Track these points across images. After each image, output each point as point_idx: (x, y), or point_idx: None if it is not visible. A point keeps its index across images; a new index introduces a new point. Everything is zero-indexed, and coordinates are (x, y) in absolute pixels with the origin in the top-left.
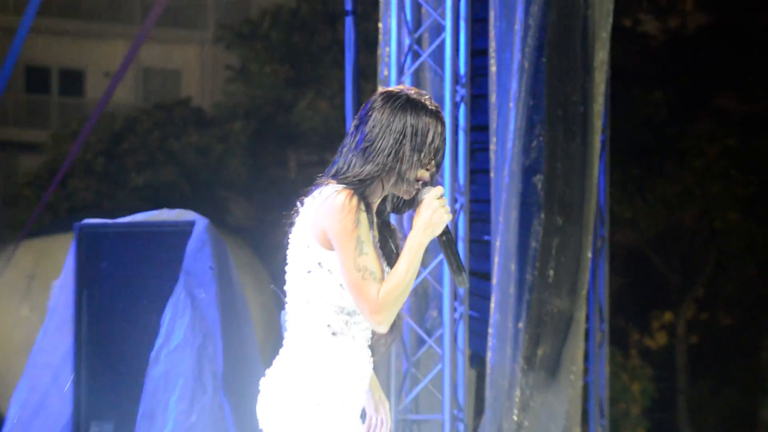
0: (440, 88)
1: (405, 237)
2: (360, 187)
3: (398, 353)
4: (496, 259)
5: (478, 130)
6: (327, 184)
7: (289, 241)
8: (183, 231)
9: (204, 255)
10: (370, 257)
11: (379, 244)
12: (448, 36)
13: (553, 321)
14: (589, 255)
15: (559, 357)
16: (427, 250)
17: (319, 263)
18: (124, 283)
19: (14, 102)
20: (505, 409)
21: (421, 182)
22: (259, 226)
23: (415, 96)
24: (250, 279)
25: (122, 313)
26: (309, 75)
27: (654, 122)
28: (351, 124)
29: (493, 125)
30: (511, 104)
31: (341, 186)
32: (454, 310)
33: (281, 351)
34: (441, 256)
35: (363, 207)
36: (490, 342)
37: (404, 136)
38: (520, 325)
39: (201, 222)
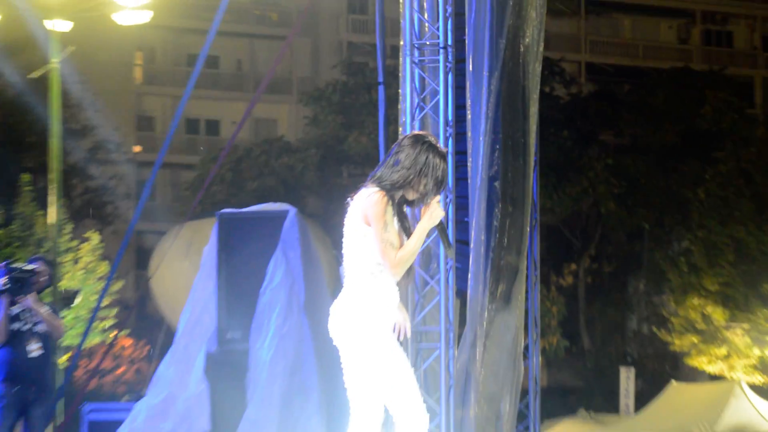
0: (437, 128)
1: (415, 220)
2: (390, 190)
3: (412, 289)
4: (472, 233)
5: (461, 153)
6: (368, 186)
7: (344, 222)
8: (281, 216)
9: (293, 230)
10: (391, 233)
11: (398, 224)
12: (441, 97)
13: (507, 270)
14: (528, 229)
15: (510, 292)
16: (430, 231)
17: (364, 234)
18: (246, 248)
19: (179, 139)
20: (478, 323)
21: (432, 193)
22: (326, 213)
23: (433, 142)
24: (320, 246)
25: (245, 266)
26: (355, 121)
27: (564, 149)
28: (387, 152)
29: (469, 150)
30: (481, 138)
31: (378, 188)
32: (447, 263)
33: (342, 290)
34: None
35: (389, 202)
36: (470, 283)
37: (423, 166)
38: (487, 272)
39: (292, 210)
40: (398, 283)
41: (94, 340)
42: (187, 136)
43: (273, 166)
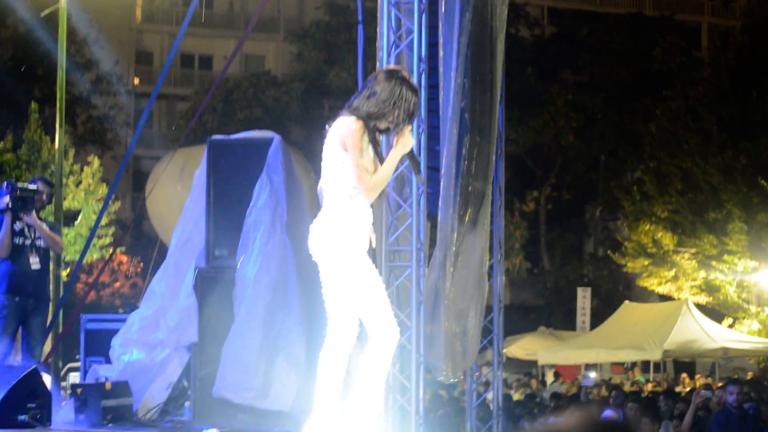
0: (411, 64)
1: (388, 148)
2: (366, 119)
3: (386, 211)
4: (443, 160)
5: (433, 87)
6: (345, 115)
7: (323, 148)
8: (267, 142)
9: (277, 155)
10: (366, 159)
11: (372, 151)
12: (415, 35)
13: (474, 195)
14: (494, 158)
15: (477, 215)
16: (402, 157)
17: (342, 161)
18: (234, 171)
19: (174, 73)
20: (447, 244)
21: (403, 123)
22: (308, 142)
23: (406, 76)
24: (302, 171)
25: (233, 188)
26: (336, 57)
27: (527, 85)
28: (362, 84)
29: (441, 84)
30: (452, 73)
31: (354, 117)
32: (419, 188)
33: (321, 211)
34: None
35: (365, 131)
36: (440, 206)
37: (397, 98)
38: (457, 197)
39: (277, 137)
40: (372, 205)
41: (93, 256)
42: (182, 70)
43: (260, 98)
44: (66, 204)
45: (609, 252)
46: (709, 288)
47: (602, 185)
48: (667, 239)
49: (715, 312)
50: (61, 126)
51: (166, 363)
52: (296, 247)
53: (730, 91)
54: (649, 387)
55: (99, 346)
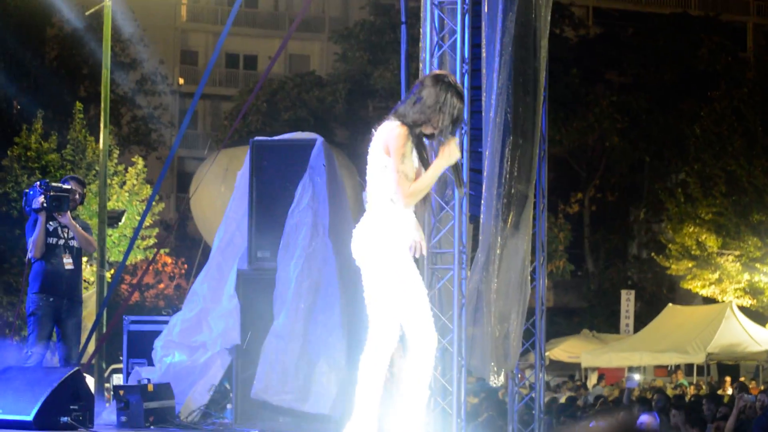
0: (454, 65)
1: (433, 152)
2: (411, 126)
3: (429, 213)
4: (485, 162)
5: (476, 88)
6: (391, 120)
7: (369, 151)
8: (309, 144)
9: (320, 157)
10: (408, 166)
11: (416, 157)
12: (458, 36)
13: (517, 198)
14: (537, 160)
15: (520, 218)
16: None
17: (384, 165)
18: (277, 173)
19: (218, 73)
20: (490, 246)
21: (448, 130)
22: (352, 143)
23: (452, 81)
24: (345, 173)
25: (275, 189)
26: (380, 57)
27: (572, 86)
28: (409, 87)
29: (483, 86)
30: (494, 74)
31: (399, 122)
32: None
33: (364, 214)
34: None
35: (409, 137)
36: (482, 209)
37: (442, 104)
38: (499, 199)
39: (319, 140)
40: (416, 209)
41: (137, 257)
42: (226, 70)
43: (304, 99)
44: (110, 205)
45: (653, 254)
46: (753, 290)
47: (647, 187)
48: (711, 241)
49: (759, 315)
50: (105, 126)
51: (209, 365)
52: (338, 249)
53: None
54: (692, 390)
55: (142, 347)
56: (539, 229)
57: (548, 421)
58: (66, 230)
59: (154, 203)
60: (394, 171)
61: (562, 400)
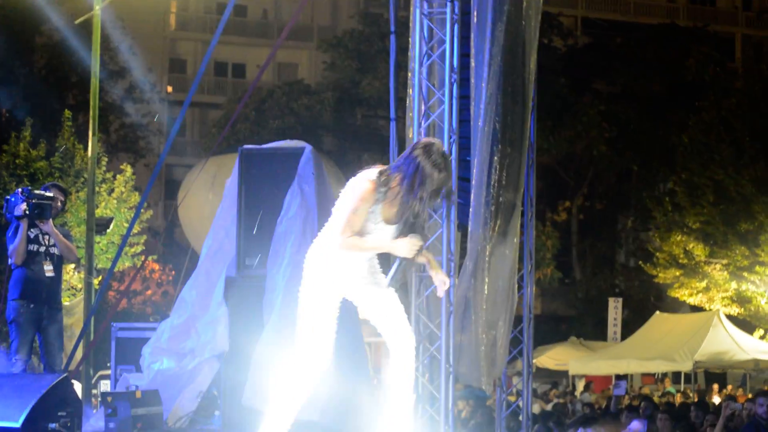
0: (443, 74)
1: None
2: (383, 184)
3: None
4: (474, 171)
5: (464, 98)
6: (372, 169)
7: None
8: (298, 152)
9: (309, 165)
10: (358, 217)
11: (402, 220)
12: (447, 46)
13: (504, 206)
14: (525, 169)
15: (507, 226)
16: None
17: (342, 206)
18: (265, 181)
19: (207, 81)
20: (478, 255)
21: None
22: (340, 151)
23: (439, 160)
24: (334, 181)
25: (263, 197)
26: (369, 66)
27: (560, 96)
28: (396, 95)
29: (472, 95)
30: (483, 84)
31: (375, 177)
32: (450, 198)
33: (322, 231)
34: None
35: (375, 194)
36: (470, 217)
37: (424, 176)
38: (487, 208)
39: (308, 147)
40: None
41: (125, 264)
42: (215, 78)
43: (293, 107)
44: (98, 212)
45: (640, 262)
46: (741, 299)
47: (634, 195)
48: (699, 250)
49: (746, 323)
50: (94, 134)
51: (197, 372)
52: None
53: (763, 101)
54: (679, 398)
55: (129, 354)
56: (527, 237)
57: (539, 429)
58: (47, 237)
59: (142, 210)
60: (344, 215)
61: (549, 407)
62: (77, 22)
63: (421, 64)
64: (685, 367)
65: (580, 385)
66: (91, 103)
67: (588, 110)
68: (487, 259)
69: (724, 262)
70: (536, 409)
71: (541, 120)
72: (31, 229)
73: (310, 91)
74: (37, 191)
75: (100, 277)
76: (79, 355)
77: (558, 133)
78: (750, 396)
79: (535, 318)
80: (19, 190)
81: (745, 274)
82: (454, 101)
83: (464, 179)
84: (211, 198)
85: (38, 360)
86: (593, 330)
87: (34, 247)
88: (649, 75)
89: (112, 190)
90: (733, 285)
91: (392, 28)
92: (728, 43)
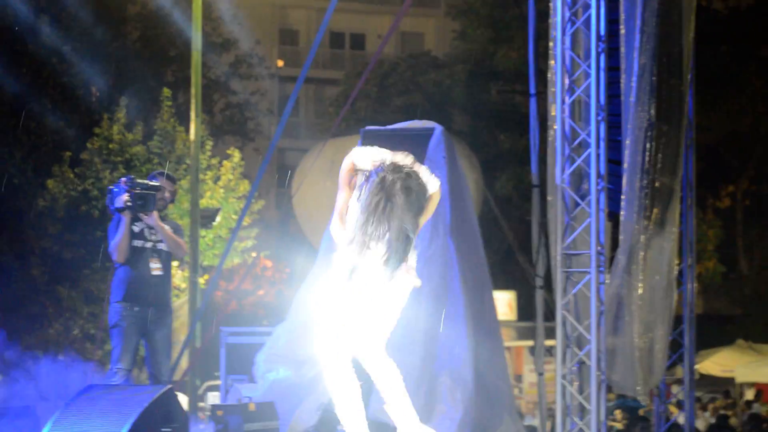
0: (588, 43)
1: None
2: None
3: (561, 210)
4: (625, 153)
5: (614, 69)
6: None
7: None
8: (427, 133)
9: (440, 149)
10: (341, 197)
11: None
12: (593, 11)
13: (660, 191)
14: (683, 149)
15: (664, 214)
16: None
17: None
18: None
19: (323, 54)
20: (632, 247)
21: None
22: (473, 131)
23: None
24: (467, 165)
25: None
26: (504, 35)
27: (722, 65)
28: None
29: (622, 66)
30: (635, 54)
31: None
32: (598, 184)
33: None
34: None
35: (359, 177)
36: (622, 204)
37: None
38: (641, 194)
39: (438, 128)
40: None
41: (234, 260)
42: (331, 51)
43: (419, 82)
44: (203, 203)
45: None
46: None
47: None
48: None
49: None
50: (197, 115)
51: (317, 382)
52: (461, 250)
53: None
54: None
55: (241, 362)
56: (686, 227)
57: None
58: (154, 232)
59: (252, 201)
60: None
61: (713, 419)
62: None
63: (563, 33)
64: None
65: (749, 394)
66: (193, 80)
67: (754, 80)
68: (641, 252)
69: None
70: (700, 424)
71: (700, 94)
72: (136, 223)
73: (438, 64)
74: (141, 180)
75: (206, 276)
76: (184, 363)
77: (720, 108)
78: None
79: (697, 318)
80: (123, 179)
81: None
82: (602, 74)
83: (615, 162)
84: (329, 186)
85: (140, 370)
86: (763, 331)
87: (138, 243)
88: None
89: (219, 178)
90: None
91: None
92: None
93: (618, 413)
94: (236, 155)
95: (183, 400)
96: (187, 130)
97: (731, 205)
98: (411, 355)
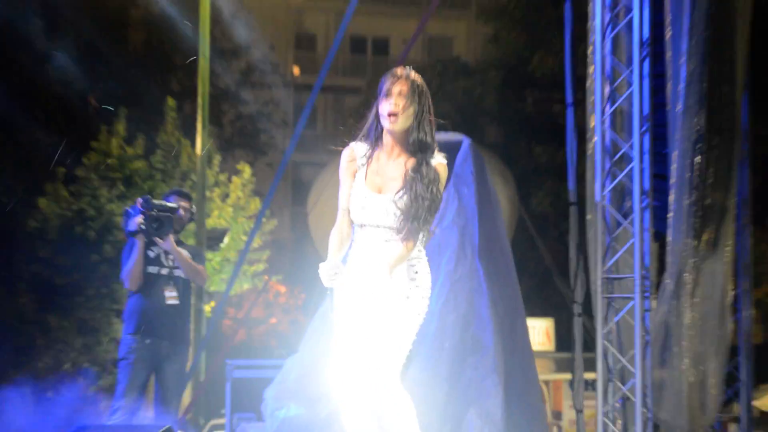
0: (630, 48)
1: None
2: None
3: (602, 230)
4: (673, 166)
5: (659, 76)
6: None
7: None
8: (454, 147)
9: (468, 163)
10: (342, 193)
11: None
12: (635, 13)
13: (712, 209)
14: (737, 163)
15: (717, 234)
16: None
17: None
18: None
19: (342, 60)
20: (681, 270)
21: None
22: (507, 143)
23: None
24: (499, 181)
25: None
26: (540, 39)
27: None
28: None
29: (668, 73)
30: (682, 59)
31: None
32: (642, 201)
33: None
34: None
35: (353, 156)
36: (670, 223)
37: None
38: (691, 212)
39: (466, 140)
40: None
41: (243, 286)
42: (351, 56)
43: (448, 90)
44: (210, 222)
45: None
46: None
47: None
48: None
49: None
50: (204, 127)
51: (332, 421)
52: (491, 274)
53: None
54: None
55: (249, 398)
56: (742, 248)
57: None
58: (170, 258)
59: (264, 220)
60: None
61: None
62: None
63: (603, 37)
64: None
65: None
66: (200, 89)
67: None
68: (691, 276)
69: None
70: None
71: (756, 102)
72: (152, 248)
73: (468, 71)
74: (158, 201)
75: (212, 303)
76: (186, 399)
77: None
78: None
79: (756, 349)
80: (139, 199)
81: None
82: (646, 81)
83: (660, 177)
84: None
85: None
86: None
87: (154, 270)
88: None
89: (227, 196)
90: None
91: None
92: None
93: None
94: (247, 171)
95: None
96: (193, 144)
97: None
98: (434, 391)
